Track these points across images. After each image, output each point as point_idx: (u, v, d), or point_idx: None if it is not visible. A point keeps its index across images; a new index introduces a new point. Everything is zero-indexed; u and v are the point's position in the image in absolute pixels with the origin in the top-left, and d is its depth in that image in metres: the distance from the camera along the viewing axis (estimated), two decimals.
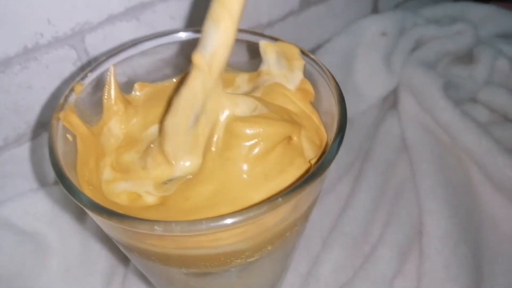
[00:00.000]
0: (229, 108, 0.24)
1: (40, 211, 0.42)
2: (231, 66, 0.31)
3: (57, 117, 0.25)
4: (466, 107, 0.56)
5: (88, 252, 0.41)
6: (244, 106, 0.24)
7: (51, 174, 0.45)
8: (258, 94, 0.28)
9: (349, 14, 0.61)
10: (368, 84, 0.57)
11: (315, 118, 0.28)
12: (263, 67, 0.29)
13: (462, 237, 0.44)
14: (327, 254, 0.44)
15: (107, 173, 0.26)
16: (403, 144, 0.54)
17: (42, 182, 0.44)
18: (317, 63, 0.27)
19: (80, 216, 0.43)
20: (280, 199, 0.19)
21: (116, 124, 0.28)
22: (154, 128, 0.28)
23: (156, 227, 0.19)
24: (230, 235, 0.20)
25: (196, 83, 0.23)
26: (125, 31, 0.40)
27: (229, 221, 0.19)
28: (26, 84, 0.38)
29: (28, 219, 0.41)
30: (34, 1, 0.34)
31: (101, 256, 0.41)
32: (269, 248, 0.23)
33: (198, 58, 0.23)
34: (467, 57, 0.62)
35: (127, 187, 0.25)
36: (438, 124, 0.53)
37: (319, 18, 0.57)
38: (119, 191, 0.25)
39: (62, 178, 0.22)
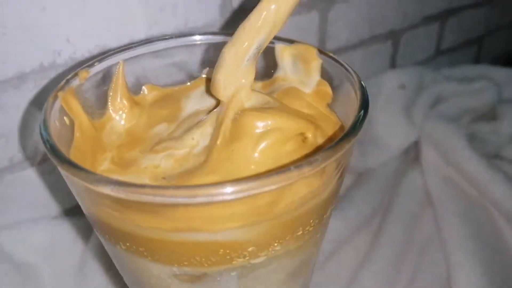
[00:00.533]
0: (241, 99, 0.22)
1: (36, 242, 0.40)
2: None
3: (55, 95, 0.23)
4: (493, 162, 0.53)
5: None
6: (254, 100, 0.23)
7: (54, 206, 0.43)
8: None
9: (367, 68, 0.61)
10: (388, 135, 0.55)
11: (333, 119, 0.26)
12: (279, 74, 0.28)
13: None
14: None
15: (105, 165, 0.24)
16: (426, 197, 0.51)
17: (44, 212, 0.42)
18: (337, 61, 0.26)
19: (79, 254, 0.40)
20: (292, 168, 0.17)
21: (120, 122, 0.26)
22: (161, 127, 0.26)
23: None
24: (229, 214, 0.18)
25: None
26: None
27: (228, 189, 0.16)
28: (38, 102, 0.37)
29: (22, 249, 0.39)
30: (56, 16, 0.35)
31: None
32: (277, 247, 0.20)
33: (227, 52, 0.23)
34: (489, 115, 0.60)
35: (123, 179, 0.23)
36: (463, 175, 0.50)
37: None
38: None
39: (47, 140, 0.20)
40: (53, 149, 0.20)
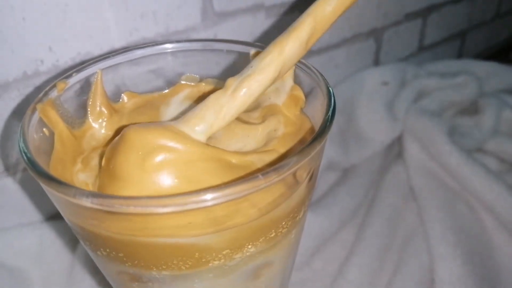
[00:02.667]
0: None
1: (25, 247, 0.40)
2: (221, 79, 0.31)
3: (34, 107, 0.24)
4: (475, 156, 0.54)
5: None
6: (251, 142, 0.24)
7: (42, 210, 0.43)
8: (256, 114, 0.28)
9: (351, 66, 0.62)
10: (371, 130, 0.56)
11: (306, 125, 0.27)
12: None
13: (477, 284, 0.41)
14: None
15: (78, 166, 0.25)
16: (409, 192, 0.52)
17: (32, 217, 0.43)
18: (307, 67, 0.26)
19: (68, 258, 0.41)
20: (260, 175, 0.18)
21: (100, 130, 0.27)
22: None
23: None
24: (199, 220, 0.18)
25: (214, 97, 0.23)
26: None
27: (195, 198, 0.17)
28: (21, 111, 0.38)
29: (11, 254, 0.39)
30: (38, 26, 0.35)
31: None
32: (251, 249, 0.21)
33: (230, 80, 0.23)
34: (471, 109, 0.61)
35: (84, 178, 0.24)
36: (446, 169, 0.51)
37: (320, 68, 0.58)
38: (80, 181, 0.24)
39: (25, 153, 0.21)
40: (31, 162, 0.20)
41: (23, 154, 0.21)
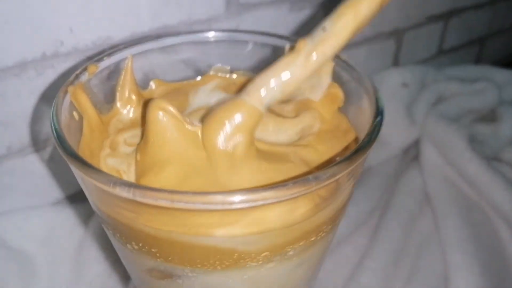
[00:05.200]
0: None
1: (33, 230, 0.39)
2: (252, 72, 0.29)
3: (65, 90, 0.23)
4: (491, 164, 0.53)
5: (79, 281, 0.37)
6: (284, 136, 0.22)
7: (52, 193, 0.42)
8: (290, 108, 0.27)
9: (370, 66, 0.61)
10: (389, 132, 0.55)
11: (343, 124, 0.26)
12: None
13: None
14: None
15: (105, 151, 0.24)
16: (425, 197, 0.51)
17: (41, 200, 0.42)
18: (349, 65, 0.25)
19: (77, 242, 0.40)
20: (310, 177, 0.17)
21: (127, 116, 0.26)
22: None
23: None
24: (246, 221, 0.17)
25: (285, 63, 0.21)
26: None
27: (243, 197, 0.16)
28: (38, 91, 0.37)
29: (19, 236, 0.38)
30: (59, 6, 0.34)
31: (93, 286, 0.37)
32: (290, 252, 0.20)
33: (301, 42, 0.21)
34: (489, 116, 0.60)
35: (113, 163, 0.23)
36: (463, 177, 0.50)
37: None
38: (109, 167, 0.23)
39: (58, 133, 0.20)
40: (68, 149, 0.19)
41: (58, 139, 0.20)
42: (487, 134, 0.57)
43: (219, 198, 0.16)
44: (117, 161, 0.23)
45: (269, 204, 0.17)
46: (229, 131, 0.21)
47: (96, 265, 0.39)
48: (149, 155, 0.21)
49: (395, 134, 0.55)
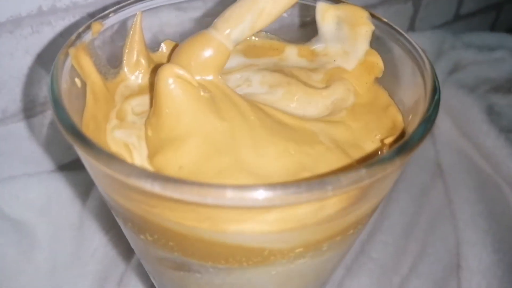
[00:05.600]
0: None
1: (31, 198, 0.37)
2: (278, 35, 0.27)
3: (66, 52, 0.20)
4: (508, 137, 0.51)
5: (81, 250, 0.36)
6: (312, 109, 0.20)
7: (50, 160, 0.40)
8: (319, 77, 0.24)
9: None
10: None
11: (382, 98, 0.23)
12: (318, 45, 0.25)
13: (506, 275, 0.39)
14: (351, 281, 0.39)
15: (113, 122, 0.21)
16: (438, 169, 0.49)
17: (39, 167, 0.39)
18: (393, 28, 0.23)
19: (76, 209, 0.38)
20: (364, 170, 0.14)
21: (136, 82, 0.23)
22: None
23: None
24: (282, 217, 0.15)
25: None
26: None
27: (281, 192, 0.14)
28: (34, 50, 0.34)
29: (17, 205, 0.37)
30: None
31: (95, 257, 0.36)
32: (325, 247, 0.18)
33: None
34: (506, 86, 0.58)
35: (121, 136, 0.21)
36: (479, 150, 0.48)
37: None
38: (117, 140, 0.21)
39: (58, 106, 0.17)
40: (74, 131, 0.16)
41: (57, 113, 0.17)
42: (504, 105, 0.55)
43: (256, 195, 0.14)
44: (125, 132, 0.21)
45: (311, 200, 0.14)
46: (194, 69, 0.20)
47: (98, 236, 0.37)
48: (162, 130, 0.19)
49: None
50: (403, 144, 0.16)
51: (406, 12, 0.59)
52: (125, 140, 0.20)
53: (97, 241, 0.37)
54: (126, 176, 0.14)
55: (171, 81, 0.19)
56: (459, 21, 0.69)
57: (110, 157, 0.15)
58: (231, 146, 0.18)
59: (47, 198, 0.38)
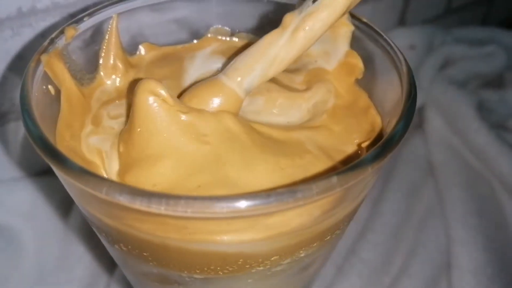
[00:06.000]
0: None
1: (17, 203, 0.37)
2: (259, 35, 0.26)
3: (37, 59, 0.19)
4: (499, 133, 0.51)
5: (67, 256, 0.36)
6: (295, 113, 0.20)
7: (35, 164, 0.39)
8: (300, 79, 0.24)
9: (377, 24, 0.57)
10: None
11: (362, 100, 0.23)
12: None
13: (496, 273, 0.39)
14: (341, 282, 0.39)
15: (88, 128, 0.21)
16: (429, 167, 0.49)
17: (24, 171, 0.39)
18: (372, 29, 0.22)
19: (63, 215, 0.38)
20: (335, 178, 0.14)
21: (112, 86, 0.23)
22: None
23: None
24: (255, 226, 0.15)
25: (268, 41, 0.19)
26: None
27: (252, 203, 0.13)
28: (15, 53, 0.33)
29: (2, 211, 0.36)
30: None
31: (82, 262, 0.35)
32: (302, 254, 0.18)
33: (288, 17, 0.19)
34: (497, 81, 0.58)
35: (96, 142, 0.20)
36: (470, 147, 0.48)
37: None
38: (91, 148, 0.20)
39: (30, 122, 0.17)
40: (42, 142, 0.16)
41: (29, 127, 0.16)
42: (495, 101, 0.55)
43: (225, 206, 0.13)
44: (100, 139, 0.20)
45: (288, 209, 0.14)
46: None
47: (85, 241, 0.36)
48: (133, 148, 0.18)
49: None
50: (375, 152, 0.16)
51: (396, 6, 0.59)
52: (99, 147, 0.20)
53: (83, 247, 0.37)
54: (93, 189, 0.14)
55: (147, 98, 0.18)
56: (450, 14, 0.68)
57: (76, 169, 0.15)
58: (214, 164, 0.18)
59: (33, 203, 0.38)
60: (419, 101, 0.52)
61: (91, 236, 0.37)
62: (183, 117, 0.18)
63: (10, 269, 0.34)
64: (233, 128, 0.18)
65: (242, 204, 0.13)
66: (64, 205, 0.38)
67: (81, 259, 0.35)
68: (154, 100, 0.18)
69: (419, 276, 0.39)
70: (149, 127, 0.18)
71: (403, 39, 0.55)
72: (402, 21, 0.62)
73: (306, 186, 0.14)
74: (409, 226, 0.44)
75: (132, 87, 0.19)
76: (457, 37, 0.61)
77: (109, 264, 0.35)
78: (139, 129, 0.18)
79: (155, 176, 0.17)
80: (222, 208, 0.13)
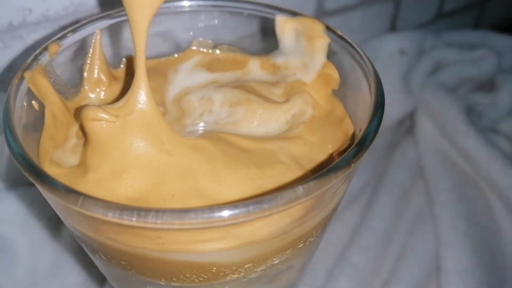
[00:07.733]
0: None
1: (9, 214, 0.37)
2: (241, 47, 0.27)
3: (21, 75, 0.20)
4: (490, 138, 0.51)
5: (60, 266, 0.36)
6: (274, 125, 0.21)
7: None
8: (279, 91, 0.24)
9: (366, 30, 0.57)
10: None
11: (338, 110, 0.23)
12: (280, 58, 0.25)
13: (485, 276, 0.40)
14: (331, 287, 0.39)
15: (72, 140, 0.21)
16: (419, 171, 0.49)
17: (15, 182, 0.39)
18: (346, 41, 0.23)
19: (55, 225, 0.38)
20: (300, 188, 0.14)
21: (97, 100, 0.23)
22: None
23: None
24: (226, 236, 0.15)
25: None
26: None
27: (225, 213, 0.14)
28: (6, 65, 0.34)
29: None
30: None
31: (74, 272, 0.36)
32: (276, 261, 0.18)
33: None
34: (488, 85, 0.58)
35: (79, 154, 0.21)
36: (459, 151, 0.48)
37: None
38: (75, 160, 0.20)
39: (11, 138, 0.17)
40: (23, 158, 0.17)
41: (10, 144, 0.17)
42: (485, 105, 0.55)
43: (193, 217, 0.14)
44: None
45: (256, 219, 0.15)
46: None
47: (78, 248, 0.37)
48: (102, 165, 0.19)
49: (390, 105, 0.53)
50: (340, 162, 0.16)
51: (387, 12, 0.59)
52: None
53: (75, 256, 0.37)
54: (69, 203, 0.15)
55: (93, 125, 0.19)
56: (441, 19, 0.69)
57: (53, 184, 0.15)
58: (187, 174, 0.18)
59: (25, 212, 0.38)
60: (410, 106, 0.53)
61: (81, 250, 0.37)
62: (132, 116, 0.19)
63: (2, 277, 0.34)
64: (199, 144, 0.19)
65: (210, 215, 0.14)
66: (57, 214, 0.39)
67: (73, 268, 0.36)
68: (100, 125, 0.19)
69: (408, 280, 0.39)
70: (106, 145, 0.19)
71: (394, 44, 0.56)
72: (393, 28, 0.62)
73: (272, 196, 0.14)
74: (399, 230, 0.44)
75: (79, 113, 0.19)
76: (447, 41, 0.62)
77: (100, 273, 0.36)
78: (97, 150, 0.19)
79: (126, 188, 0.18)
80: (190, 219, 0.14)
